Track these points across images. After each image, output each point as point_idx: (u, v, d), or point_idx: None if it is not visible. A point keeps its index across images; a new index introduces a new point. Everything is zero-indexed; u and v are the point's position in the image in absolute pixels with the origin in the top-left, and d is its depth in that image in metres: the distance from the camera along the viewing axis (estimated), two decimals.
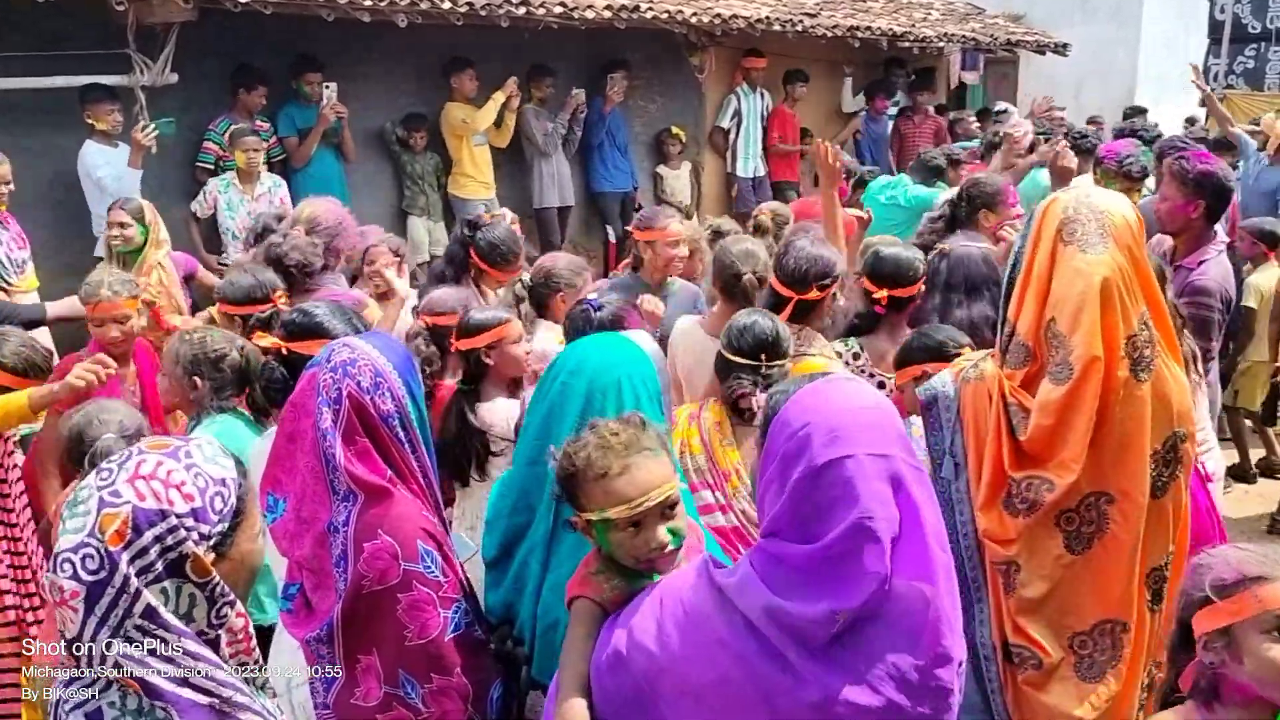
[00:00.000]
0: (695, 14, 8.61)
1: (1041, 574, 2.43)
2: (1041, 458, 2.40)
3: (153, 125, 5.94)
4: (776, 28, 9.15)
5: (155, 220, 5.03)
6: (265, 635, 2.31)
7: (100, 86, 6.01)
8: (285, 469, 2.28)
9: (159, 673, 1.38)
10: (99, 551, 1.37)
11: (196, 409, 3.21)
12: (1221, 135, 8.15)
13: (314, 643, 2.21)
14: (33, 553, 3.23)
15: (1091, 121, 9.97)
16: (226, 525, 1.46)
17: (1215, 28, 12.99)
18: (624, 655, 1.82)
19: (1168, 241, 4.24)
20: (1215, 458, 3.85)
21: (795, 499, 1.73)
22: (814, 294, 3.42)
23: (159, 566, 1.39)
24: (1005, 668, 2.49)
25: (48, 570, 1.40)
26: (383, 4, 6.55)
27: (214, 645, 1.46)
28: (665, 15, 8.35)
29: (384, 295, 4.20)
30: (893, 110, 10.76)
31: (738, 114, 9.72)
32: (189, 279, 5.13)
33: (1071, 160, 5.07)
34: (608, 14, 7.86)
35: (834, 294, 3.57)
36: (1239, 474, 6.23)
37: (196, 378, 3.09)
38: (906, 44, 10.68)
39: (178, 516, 1.41)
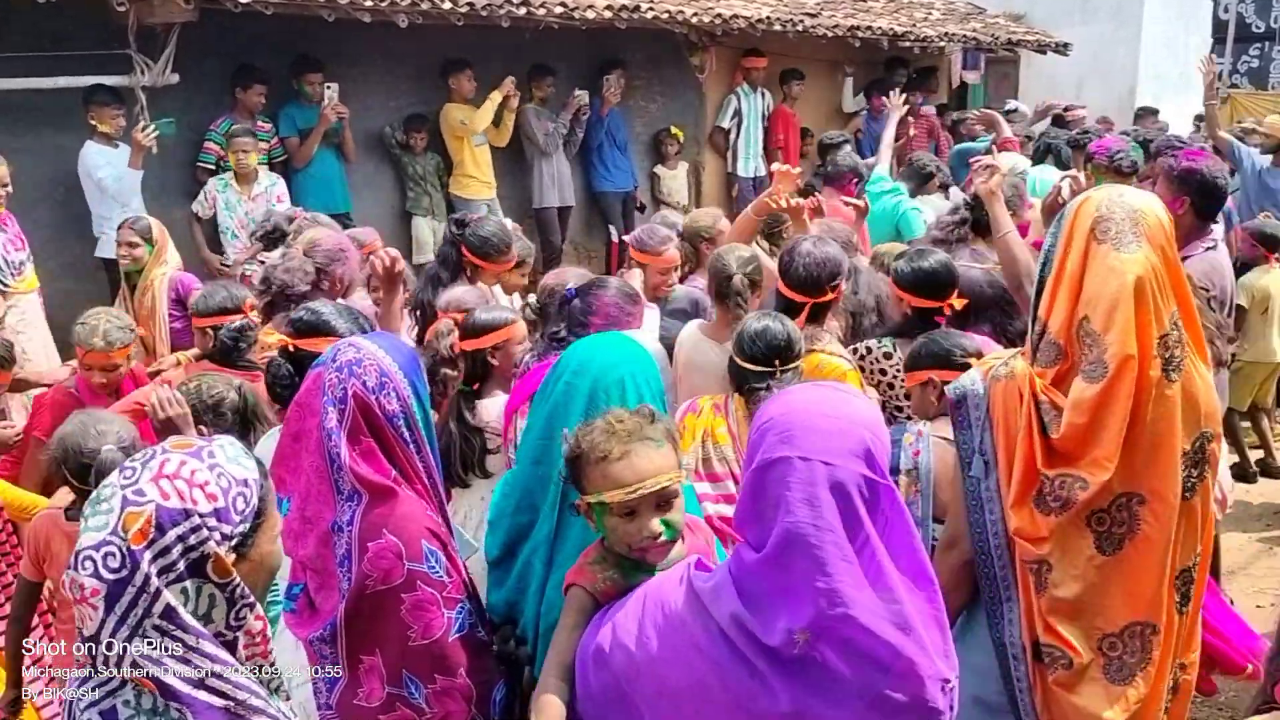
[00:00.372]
0: (696, 14, 8.61)
1: (1074, 574, 2.41)
2: (1074, 456, 2.39)
3: (153, 126, 5.94)
4: (777, 28, 9.15)
5: (163, 239, 5.05)
6: None
7: (104, 88, 6.01)
8: (290, 468, 2.28)
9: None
10: (121, 550, 1.37)
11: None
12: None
13: (317, 642, 2.21)
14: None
15: (1101, 121, 9.97)
16: (248, 526, 1.46)
17: (1219, 27, 13.01)
18: (606, 653, 1.85)
19: None
20: (1224, 472, 3.84)
21: (745, 496, 1.76)
22: (828, 296, 3.41)
23: (181, 566, 1.39)
24: (1035, 668, 2.47)
25: (69, 569, 1.40)
26: (383, 4, 6.55)
27: (231, 647, 1.46)
28: (666, 15, 8.34)
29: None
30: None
31: (738, 114, 9.72)
32: (181, 302, 4.97)
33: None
34: (608, 14, 7.86)
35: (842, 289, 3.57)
36: (1240, 474, 6.23)
37: (201, 426, 3.08)
38: (907, 44, 10.67)
39: (201, 516, 1.41)
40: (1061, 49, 12.46)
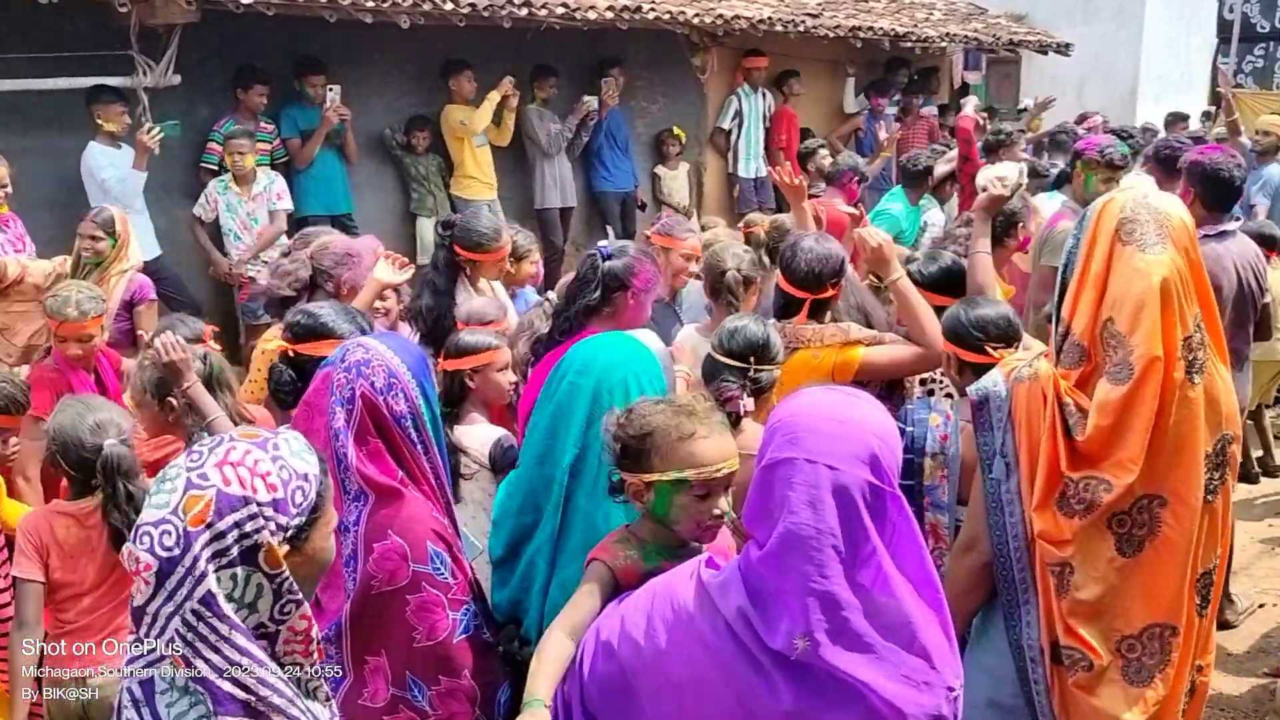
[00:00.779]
0: (697, 14, 8.61)
1: (1095, 576, 2.40)
2: (1098, 458, 2.38)
3: (158, 128, 5.93)
4: (779, 28, 9.15)
5: (125, 234, 4.87)
6: None
7: (108, 87, 6.01)
8: None
9: (204, 659, 1.41)
10: (178, 530, 1.40)
11: (179, 430, 3.18)
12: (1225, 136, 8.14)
13: (322, 643, 2.21)
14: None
15: (1080, 120, 9.97)
16: (304, 519, 1.49)
17: (1224, 27, 12.99)
18: (613, 645, 1.85)
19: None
20: None
21: (753, 495, 1.77)
22: (828, 292, 3.42)
23: (234, 552, 1.42)
24: (1053, 670, 2.46)
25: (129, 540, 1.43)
26: (385, 5, 6.55)
27: (272, 640, 1.48)
28: (667, 16, 8.35)
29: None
30: (892, 109, 10.75)
31: (739, 115, 9.72)
32: (131, 305, 4.91)
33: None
34: (609, 14, 7.86)
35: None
36: (1241, 474, 6.22)
37: (170, 399, 3.06)
38: (909, 44, 10.67)
39: (259, 505, 1.43)
40: (1063, 49, 12.46)
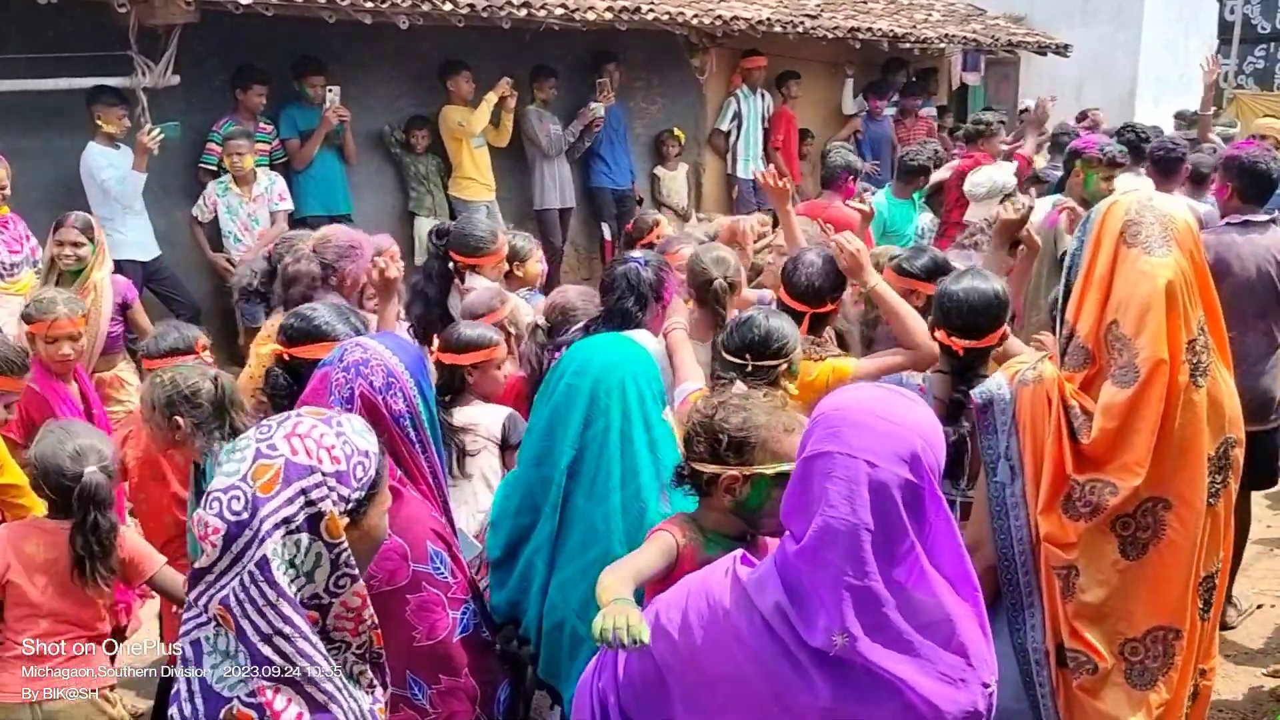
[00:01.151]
0: (696, 15, 8.62)
1: (1099, 579, 2.40)
2: (1103, 461, 2.37)
3: (158, 129, 5.93)
4: (777, 29, 9.16)
5: (101, 238, 4.79)
6: None
7: (109, 88, 6.01)
8: None
9: (249, 621, 1.47)
10: (246, 495, 1.48)
11: (186, 447, 3.18)
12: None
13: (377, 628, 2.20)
14: None
15: (1081, 119, 9.97)
16: (363, 495, 1.57)
17: (1225, 28, 13.00)
18: (649, 641, 1.84)
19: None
20: None
21: (792, 487, 1.76)
22: (828, 306, 3.44)
23: (300, 518, 1.49)
24: (1058, 673, 2.46)
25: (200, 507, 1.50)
26: (384, 6, 6.56)
27: (324, 612, 1.54)
28: (666, 16, 8.35)
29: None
30: (890, 110, 10.77)
31: (737, 116, 9.72)
32: (125, 307, 4.88)
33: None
34: (608, 15, 7.87)
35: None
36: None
37: (177, 417, 3.07)
38: (907, 45, 10.68)
39: (323, 475, 1.51)
40: (1062, 51, 12.47)
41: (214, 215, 6.53)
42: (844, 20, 10.00)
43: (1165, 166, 5.65)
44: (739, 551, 1.91)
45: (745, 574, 1.80)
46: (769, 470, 2.02)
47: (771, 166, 4.48)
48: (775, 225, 5.25)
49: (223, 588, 1.47)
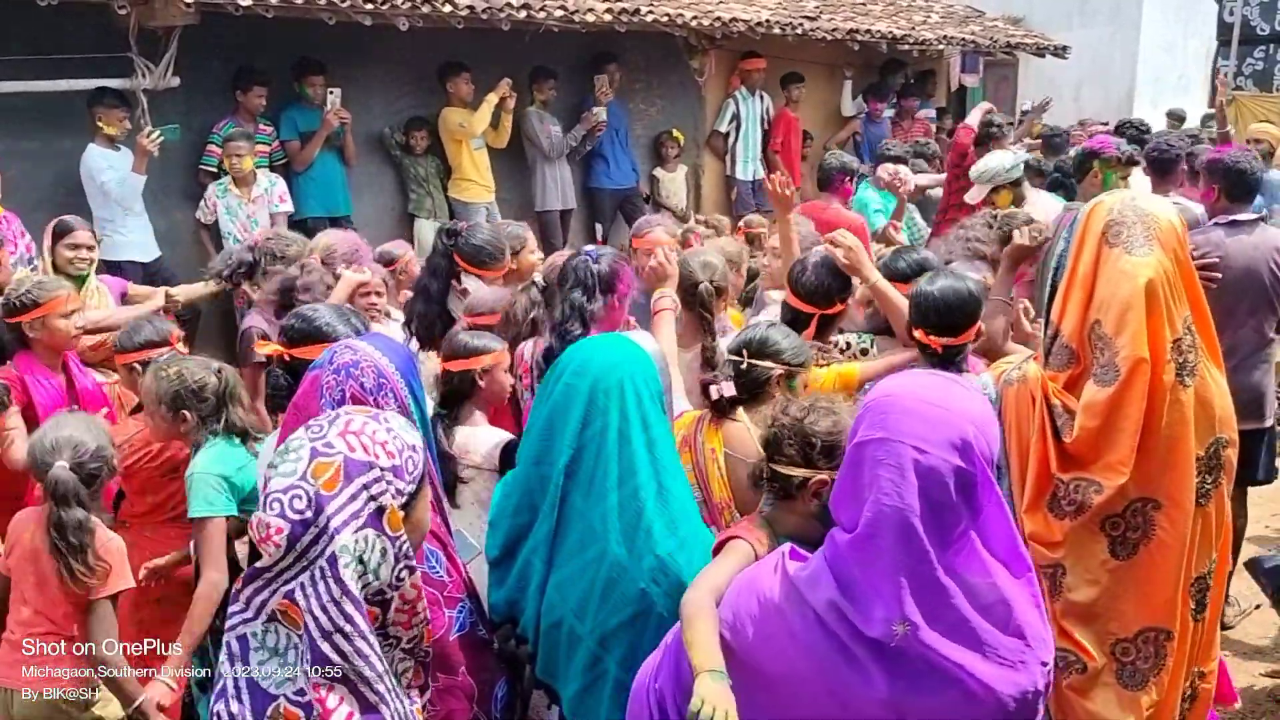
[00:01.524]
0: (695, 17, 8.62)
1: (1088, 578, 2.41)
2: (1087, 459, 2.39)
3: (158, 131, 5.93)
4: (777, 31, 9.16)
5: (94, 242, 4.80)
6: None
7: (110, 90, 6.01)
8: None
9: (314, 616, 1.47)
10: (308, 494, 1.48)
11: (189, 439, 3.19)
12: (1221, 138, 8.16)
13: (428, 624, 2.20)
14: None
15: (1082, 125, 10.01)
16: (414, 488, 1.59)
17: (1224, 29, 12.97)
18: None
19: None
20: None
21: (842, 475, 1.76)
22: (836, 308, 3.44)
23: (365, 513, 1.50)
24: None
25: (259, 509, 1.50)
26: (384, 7, 6.57)
27: (385, 607, 1.56)
28: (665, 18, 8.36)
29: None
30: (889, 112, 10.78)
31: (736, 117, 9.72)
32: (122, 298, 4.89)
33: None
34: (608, 17, 7.88)
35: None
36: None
37: (185, 411, 3.08)
38: (906, 47, 10.69)
39: (381, 470, 1.54)
40: (1060, 52, 12.48)
41: (215, 217, 6.53)
42: (843, 22, 10.01)
43: (1161, 167, 5.66)
44: (787, 545, 1.90)
45: (795, 569, 1.79)
46: None
47: (779, 175, 4.45)
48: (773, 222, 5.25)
49: (286, 583, 1.48)
